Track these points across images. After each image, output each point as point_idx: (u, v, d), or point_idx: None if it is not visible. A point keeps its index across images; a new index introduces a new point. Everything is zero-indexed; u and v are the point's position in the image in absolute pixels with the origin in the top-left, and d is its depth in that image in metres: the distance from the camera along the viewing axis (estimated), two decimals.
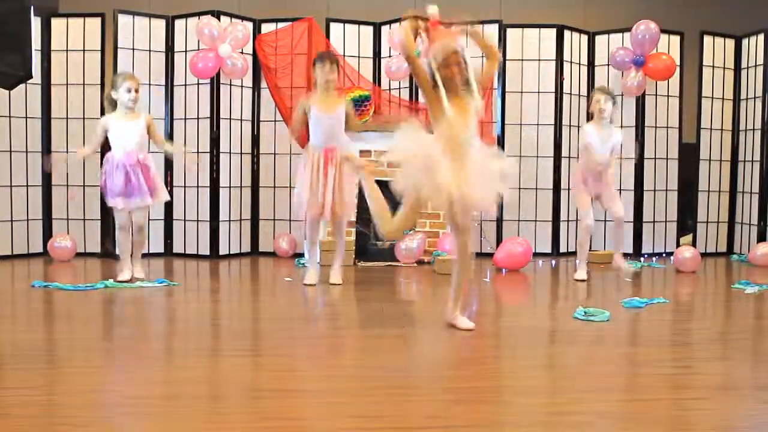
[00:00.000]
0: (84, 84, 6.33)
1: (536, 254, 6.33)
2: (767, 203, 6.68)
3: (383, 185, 3.74)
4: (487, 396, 2.66)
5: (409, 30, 3.58)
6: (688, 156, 6.98)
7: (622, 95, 6.61)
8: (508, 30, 6.63)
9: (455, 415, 2.39)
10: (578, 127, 6.81)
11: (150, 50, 6.40)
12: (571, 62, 6.74)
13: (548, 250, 6.71)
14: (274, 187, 6.65)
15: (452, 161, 3.45)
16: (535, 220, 6.73)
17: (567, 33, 6.73)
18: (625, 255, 6.54)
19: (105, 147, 5.14)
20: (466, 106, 3.53)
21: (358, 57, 6.64)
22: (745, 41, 6.96)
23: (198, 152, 6.36)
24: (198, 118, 6.36)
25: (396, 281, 5.33)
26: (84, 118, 6.30)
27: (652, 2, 7.80)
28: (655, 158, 6.88)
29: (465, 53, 3.53)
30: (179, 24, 6.44)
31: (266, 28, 6.53)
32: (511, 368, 3.15)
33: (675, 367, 3.06)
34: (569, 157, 6.76)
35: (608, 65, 6.73)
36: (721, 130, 7.03)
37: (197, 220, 6.41)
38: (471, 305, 4.44)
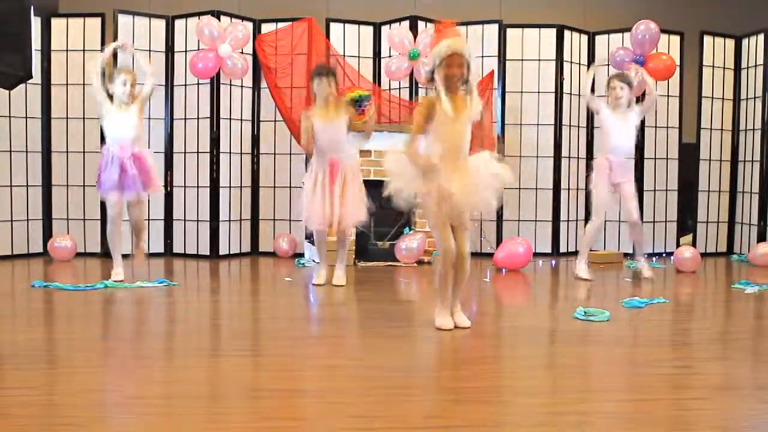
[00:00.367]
0: (84, 84, 6.32)
1: (536, 254, 6.32)
2: (767, 203, 6.68)
3: (379, 185, 3.77)
4: (487, 396, 2.66)
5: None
6: (688, 156, 6.98)
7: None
8: (508, 30, 6.63)
9: (455, 415, 2.39)
10: (578, 127, 6.84)
11: (150, 50, 6.40)
12: (571, 62, 6.74)
13: (548, 250, 6.71)
14: (274, 187, 6.65)
15: (448, 161, 3.50)
16: (535, 220, 6.73)
17: (567, 33, 6.73)
18: (626, 255, 6.57)
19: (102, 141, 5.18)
20: (463, 107, 3.54)
21: (358, 57, 6.64)
22: (745, 41, 6.96)
23: (198, 152, 6.37)
24: (198, 118, 6.36)
25: (396, 281, 5.33)
26: (84, 118, 6.30)
27: (652, 2, 7.81)
28: (655, 158, 6.88)
29: (470, 57, 3.52)
30: (179, 24, 6.44)
31: (266, 28, 6.53)
32: (511, 368, 3.15)
33: (675, 367, 3.06)
34: (569, 157, 6.76)
35: (608, 65, 6.72)
36: (721, 130, 7.03)
37: (197, 220, 6.41)
38: (469, 304, 4.44)
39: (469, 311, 4.46)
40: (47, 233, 6.36)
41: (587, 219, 6.93)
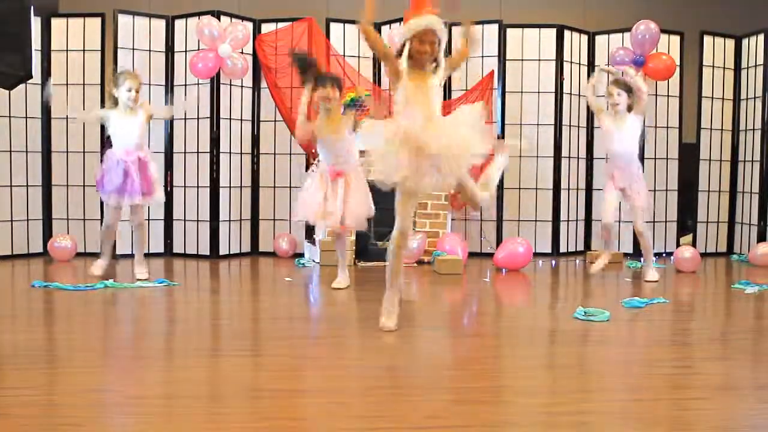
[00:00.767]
0: (84, 84, 6.33)
1: (536, 254, 6.32)
2: (767, 203, 6.68)
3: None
4: (487, 396, 2.66)
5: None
6: (688, 156, 6.98)
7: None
8: (508, 30, 6.63)
9: (455, 415, 2.39)
10: (578, 127, 6.84)
11: (150, 50, 6.41)
12: (571, 62, 6.74)
13: (548, 250, 6.71)
14: (274, 187, 6.65)
15: (413, 139, 3.35)
16: (535, 220, 6.72)
17: (567, 33, 6.73)
18: (626, 255, 6.57)
19: (106, 144, 5.17)
20: (428, 83, 3.47)
21: (358, 57, 6.64)
22: (745, 41, 6.96)
23: (198, 152, 6.37)
24: (198, 118, 6.36)
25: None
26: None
27: (652, 2, 7.81)
28: (655, 158, 6.88)
29: (442, 34, 3.47)
30: (179, 24, 6.44)
31: (266, 28, 6.53)
32: (511, 368, 3.15)
33: (675, 367, 3.06)
34: (569, 157, 6.76)
35: (608, 65, 6.72)
36: (721, 130, 7.03)
37: (197, 220, 6.41)
38: (469, 304, 4.43)
39: (469, 311, 4.47)
40: (47, 233, 6.36)
41: (587, 219, 6.96)
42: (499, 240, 6.50)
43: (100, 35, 6.35)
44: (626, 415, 2.45)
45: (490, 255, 6.07)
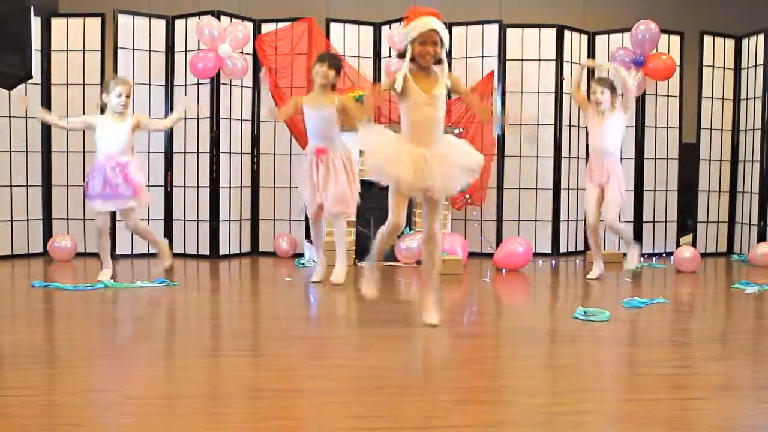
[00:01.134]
0: (84, 84, 6.33)
1: (536, 254, 6.32)
2: (767, 203, 6.68)
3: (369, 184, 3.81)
4: (487, 396, 2.66)
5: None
6: (688, 156, 6.98)
7: (622, 95, 6.60)
8: (508, 30, 6.63)
9: (455, 415, 2.39)
10: (578, 127, 6.83)
11: (150, 50, 6.41)
12: (571, 62, 6.74)
13: (548, 250, 6.71)
14: (274, 187, 6.65)
15: (417, 145, 3.51)
16: (535, 220, 6.72)
17: (567, 33, 6.73)
18: (625, 255, 6.55)
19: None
20: (434, 85, 3.53)
21: (358, 57, 6.64)
22: (745, 41, 6.96)
23: (198, 152, 6.37)
24: (198, 118, 6.36)
25: (396, 281, 5.33)
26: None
27: (652, 2, 7.81)
28: (655, 158, 6.88)
29: (444, 34, 3.51)
30: (179, 24, 6.44)
31: (266, 28, 6.53)
32: (511, 368, 3.15)
33: (675, 367, 3.06)
34: (569, 157, 6.76)
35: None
36: (721, 130, 7.03)
37: (197, 220, 6.41)
38: (469, 304, 4.43)
39: (469, 311, 4.47)
40: (47, 233, 6.36)
41: (587, 219, 6.95)
42: (499, 240, 6.50)
43: (100, 35, 6.36)
44: (626, 415, 2.45)
45: (490, 255, 6.07)
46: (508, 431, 2.33)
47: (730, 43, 7.01)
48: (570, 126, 6.76)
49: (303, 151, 6.35)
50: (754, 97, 6.84)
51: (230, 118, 6.42)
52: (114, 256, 5.96)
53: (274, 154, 6.63)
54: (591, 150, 5.47)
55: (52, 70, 6.33)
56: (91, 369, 2.95)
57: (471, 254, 6.21)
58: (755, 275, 5.64)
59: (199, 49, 6.20)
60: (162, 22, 6.46)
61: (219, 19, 6.20)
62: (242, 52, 6.31)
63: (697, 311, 4.54)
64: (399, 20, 6.55)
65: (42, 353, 3.17)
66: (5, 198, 6.17)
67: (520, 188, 6.68)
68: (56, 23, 6.35)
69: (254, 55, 6.47)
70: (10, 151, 6.19)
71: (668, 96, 6.84)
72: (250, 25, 6.44)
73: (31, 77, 2.79)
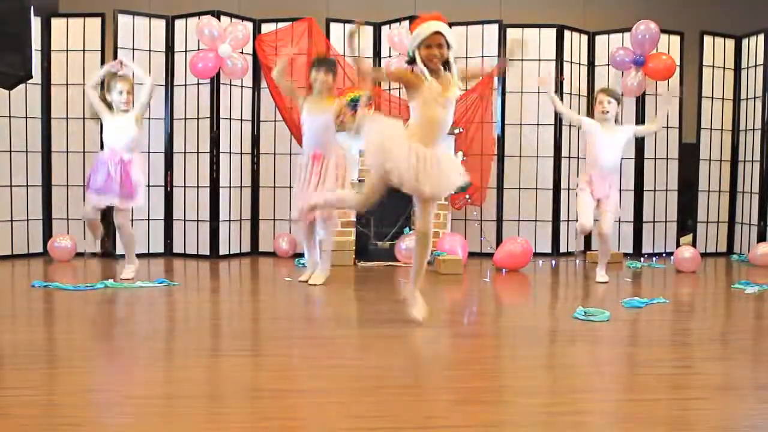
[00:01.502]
0: (84, 84, 6.31)
1: (536, 254, 6.32)
2: (767, 203, 6.68)
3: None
4: (487, 396, 2.66)
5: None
6: (688, 156, 6.98)
7: (622, 95, 6.61)
8: (508, 30, 6.62)
9: (455, 415, 2.39)
10: (578, 127, 6.81)
11: (150, 50, 6.40)
12: (571, 62, 6.74)
13: (548, 250, 6.71)
14: (274, 187, 6.65)
15: (420, 142, 3.54)
16: (535, 220, 6.72)
17: (567, 33, 6.73)
18: (626, 255, 6.57)
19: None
20: (446, 88, 3.56)
21: (358, 57, 6.63)
22: (745, 41, 6.96)
23: (198, 152, 6.37)
24: (198, 118, 6.36)
25: (396, 281, 5.33)
26: (84, 118, 6.29)
27: (652, 2, 7.81)
28: (655, 158, 6.88)
29: (449, 36, 3.52)
30: (179, 24, 6.44)
31: (266, 28, 6.53)
32: (511, 368, 3.15)
33: (675, 367, 3.06)
34: (569, 157, 6.76)
35: (608, 65, 6.73)
36: (721, 130, 7.03)
37: (197, 220, 6.41)
38: (469, 304, 4.42)
39: (469, 311, 4.48)
40: (47, 233, 6.36)
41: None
42: (499, 240, 6.50)
43: (100, 35, 6.36)
44: (626, 415, 2.45)
45: (490, 255, 6.07)
46: (508, 431, 2.33)
47: (730, 43, 7.01)
48: (570, 126, 6.74)
49: (302, 150, 6.38)
50: (754, 97, 6.84)
51: (230, 118, 6.42)
52: (114, 256, 5.98)
53: (274, 154, 6.63)
54: (593, 161, 5.20)
55: (52, 70, 6.33)
56: (91, 369, 2.95)
57: (471, 254, 6.21)
58: (755, 275, 5.64)
59: (199, 49, 6.20)
60: (162, 22, 6.46)
61: (219, 19, 6.20)
62: (242, 52, 6.31)
63: (697, 311, 4.54)
64: (399, 20, 6.56)
65: (42, 353, 3.17)
66: (5, 198, 6.17)
67: (520, 188, 6.68)
68: (56, 23, 6.35)
69: (254, 55, 6.47)
70: (10, 151, 6.19)
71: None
72: (250, 25, 6.44)
73: (31, 77, 2.79)
